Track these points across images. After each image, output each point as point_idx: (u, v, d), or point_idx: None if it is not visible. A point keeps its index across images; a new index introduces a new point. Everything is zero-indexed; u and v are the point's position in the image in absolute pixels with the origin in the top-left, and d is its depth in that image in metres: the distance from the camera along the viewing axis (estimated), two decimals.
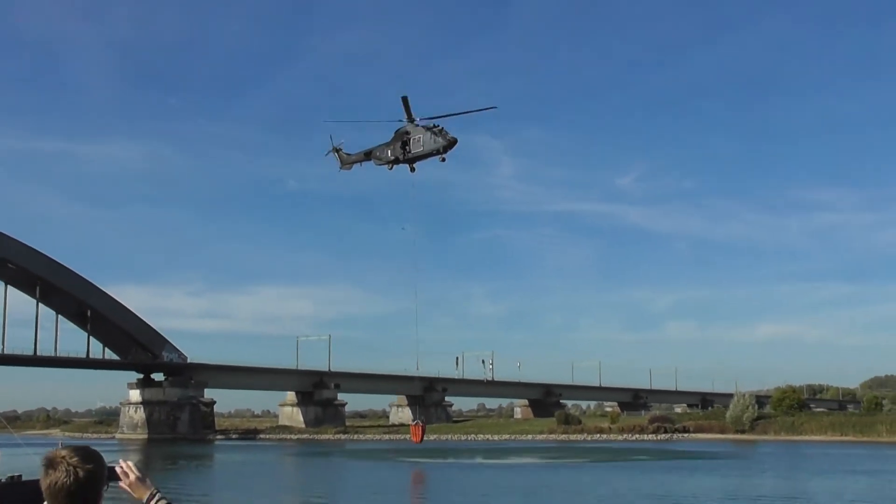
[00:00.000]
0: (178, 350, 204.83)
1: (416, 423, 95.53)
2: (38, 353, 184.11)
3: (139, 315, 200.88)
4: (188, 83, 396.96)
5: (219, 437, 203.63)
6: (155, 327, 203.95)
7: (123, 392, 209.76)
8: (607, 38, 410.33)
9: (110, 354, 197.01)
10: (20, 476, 42.17)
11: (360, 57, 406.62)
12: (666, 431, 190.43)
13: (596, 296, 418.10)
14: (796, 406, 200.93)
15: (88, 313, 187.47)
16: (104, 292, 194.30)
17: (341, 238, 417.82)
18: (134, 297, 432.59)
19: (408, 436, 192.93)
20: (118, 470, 5.67)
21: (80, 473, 5.30)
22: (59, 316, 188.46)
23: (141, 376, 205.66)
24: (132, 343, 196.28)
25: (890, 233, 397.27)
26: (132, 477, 5.66)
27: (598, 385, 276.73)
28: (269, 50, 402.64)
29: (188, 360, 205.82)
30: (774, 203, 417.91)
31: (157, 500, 5.65)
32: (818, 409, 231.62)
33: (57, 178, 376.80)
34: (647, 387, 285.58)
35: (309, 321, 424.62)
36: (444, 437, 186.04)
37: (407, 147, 47.19)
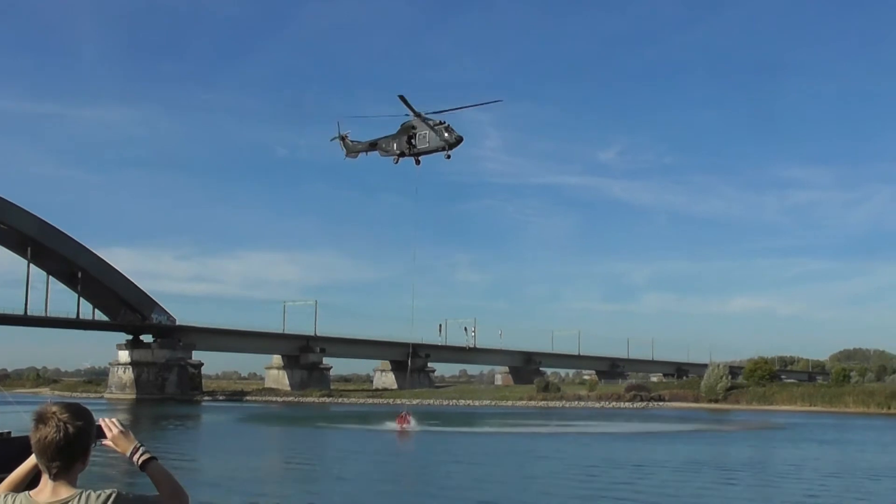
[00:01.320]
0: (167, 312, 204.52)
1: (403, 415, 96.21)
2: (29, 313, 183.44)
3: (129, 277, 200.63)
4: (182, 49, 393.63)
5: (206, 398, 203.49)
6: (144, 289, 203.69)
7: (112, 353, 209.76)
8: (593, 13, 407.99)
9: (100, 316, 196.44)
10: (9, 433, 41.99)
11: (350, 28, 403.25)
12: (642, 399, 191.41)
13: (577, 267, 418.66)
14: (768, 377, 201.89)
15: (79, 274, 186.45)
16: (95, 254, 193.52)
17: (329, 205, 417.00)
18: (124, 260, 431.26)
19: (393, 399, 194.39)
20: (102, 426, 5.62)
21: (70, 429, 5.24)
22: (50, 277, 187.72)
23: (130, 337, 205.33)
24: (122, 305, 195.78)
25: (864, 211, 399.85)
26: (115, 430, 5.61)
27: (577, 354, 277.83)
28: (262, 18, 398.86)
29: (177, 323, 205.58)
30: (753, 180, 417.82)
31: (141, 454, 5.58)
32: (789, 381, 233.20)
33: (50, 140, 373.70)
34: (625, 356, 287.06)
35: (296, 286, 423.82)
36: (426, 402, 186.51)
37: (413, 142, 46.75)
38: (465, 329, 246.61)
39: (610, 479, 49.51)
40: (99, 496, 5.30)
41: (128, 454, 5.62)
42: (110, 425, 5.66)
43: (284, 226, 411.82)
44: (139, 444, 5.64)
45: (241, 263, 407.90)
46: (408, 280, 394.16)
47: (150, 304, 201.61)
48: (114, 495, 5.31)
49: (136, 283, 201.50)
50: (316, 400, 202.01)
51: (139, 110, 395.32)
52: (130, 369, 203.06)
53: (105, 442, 5.66)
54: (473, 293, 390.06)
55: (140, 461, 5.58)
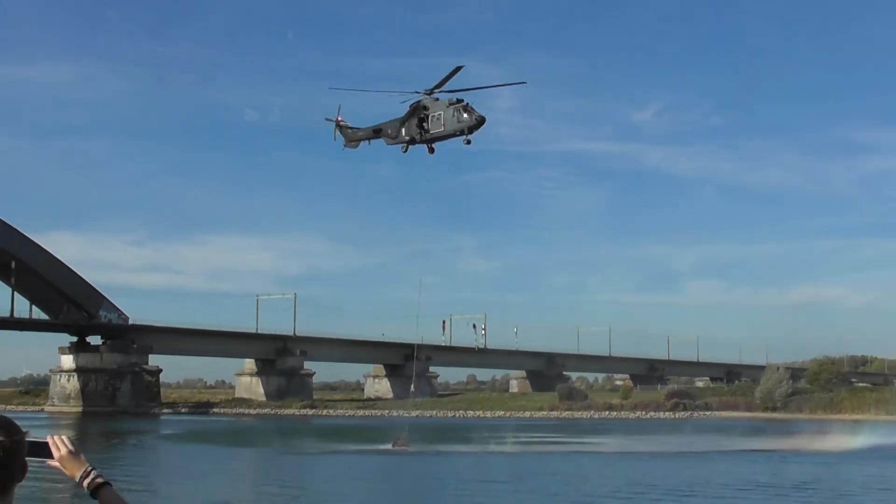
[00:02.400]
0: (118, 309, 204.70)
1: (398, 439, 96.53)
2: None
3: (72, 267, 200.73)
4: None
5: (165, 410, 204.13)
6: (91, 282, 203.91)
7: (54, 358, 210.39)
8: None
9: (38, 314, 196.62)
10: None
11: None
12: (685, 409, 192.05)
13: (607, 251, 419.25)
14: (835, 380, 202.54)
15: (11, 265, 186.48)
16: (30, 240, 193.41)
17: (308, 179, 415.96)
18: (66, 247, 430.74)
19: (387, 411, 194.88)
20: (50, 444, 5.63)
21: (7, 445, 5.20)
22: None
23: (74, 339, 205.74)
24: (64, 300, 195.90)
25: None
26: (63, 451, 5.63)
27: (607, 354, 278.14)
28: None
29: (129, 322, 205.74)
30: (817, 145, 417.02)
31: (93, 478, 5.62)
32: (860, 384, 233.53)
33: None
34: (665, 357, 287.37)
35: (270, 277, 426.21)
36: (427, 413, 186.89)
37: (425, 125, 46.26)
38: (474, 327, 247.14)
39: None
40: None
41: (77, 478, 5.64)
42: (59, 444, 5.67)
43: (255, 204, 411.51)
44: (90, 468, 5.67)
45: (204, 250, 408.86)
46: (402, 268, 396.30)
47: (98, 299, 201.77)
48: None
49: (80, 274, 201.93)
50: (296, 412, 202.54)
51: (79, 66, 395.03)
52: (75, 377, 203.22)
53: (51, 462, 5.66)
54: (482, 284, 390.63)
55: (91, 487, 5.61)
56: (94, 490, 5.61)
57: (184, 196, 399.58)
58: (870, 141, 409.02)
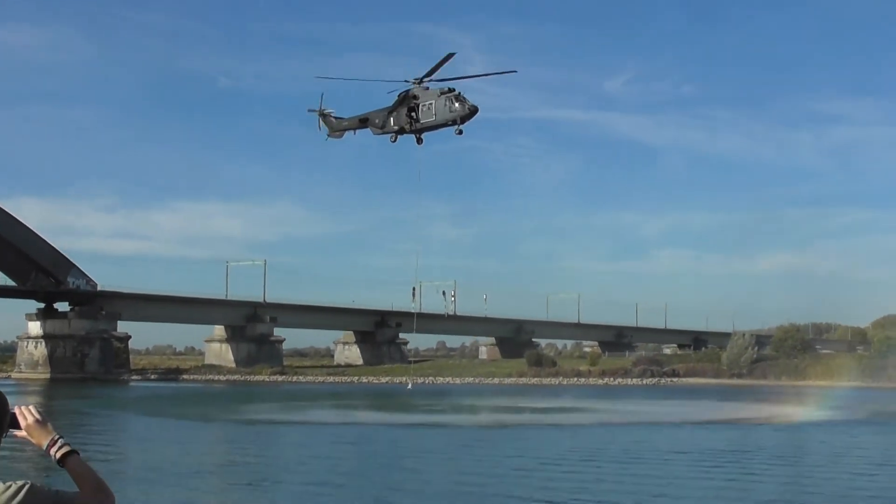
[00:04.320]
0: (87, 276, 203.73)
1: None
2: None
3: (40, 234, 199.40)
4: None
5: (134, 377, 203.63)
6: (59, 248, 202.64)
7: (21, 324, 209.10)
8: None
9: (5, 280, 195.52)
10: None
11: None
12: (653, 375, 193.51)
13: (577, 219, 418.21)
14: (800, 347, 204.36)
15: None
16: None
17: (281, 147, 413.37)
18: (34, 213, 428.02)
19: (357, 378, 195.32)
20: (17, 414, 5.71)
21: None
22: None
23: (42, 306, 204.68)
24: (31, 267, 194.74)
25: None
26: (30, 419, 5.69)
27: (576, 322, 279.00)
28: None
29: (98, 288, 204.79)
30: (786, 115, 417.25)
31: (59, 447, 5.68)
32: (825, 351, 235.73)
33: None
34: (633, 324, 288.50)
35: (241, 243, 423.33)
36: (396, 380, 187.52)
37: (414, 115, 45.52)
38: (443, 293, 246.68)
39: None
40: (9, 487, 5.42)
41: (44, 447, 5.69)
42: (26, 413, 5.74)
43: (227, 171, 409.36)
44: (57, 436, 5.70)
45: (174, 216, 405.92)
46: (374, 235, 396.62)
47: (66, 265, 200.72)
48: (26, 488, 5.42)
49: (48, 240, 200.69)
50: (266, 378, 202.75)
51: (49, 32, 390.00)
52: (43, 344, 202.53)
53: (17, 433, 5.73)
54: (453, 251, 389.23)
55: (58, 455, 5.65)
56: (62, 458, 5.65)
57: (155, 162, 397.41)
58: (838, 111, 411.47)
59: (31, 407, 5.79)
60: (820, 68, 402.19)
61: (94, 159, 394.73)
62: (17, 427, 5.71)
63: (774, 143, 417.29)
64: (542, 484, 44.56)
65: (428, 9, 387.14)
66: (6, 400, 5.69)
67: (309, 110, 50.26)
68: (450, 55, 45.92)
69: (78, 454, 5.71)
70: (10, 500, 5.39)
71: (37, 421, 5.69)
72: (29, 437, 5.72)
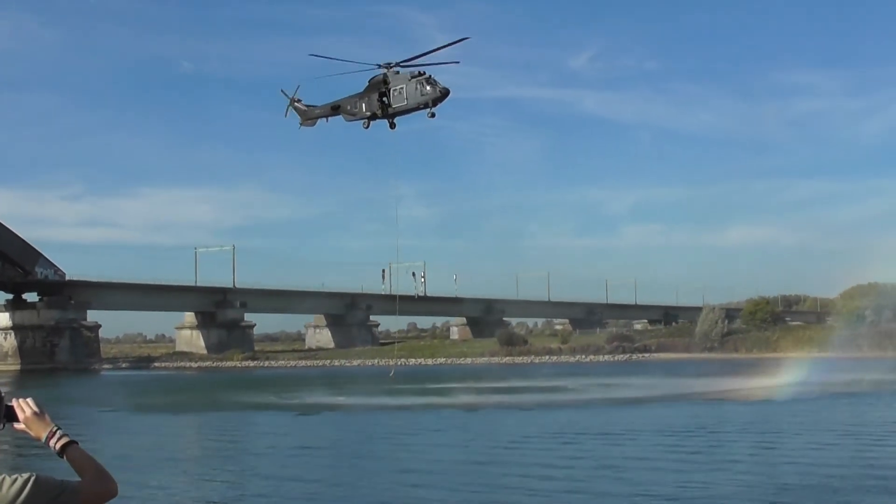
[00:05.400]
0: (55, 265, 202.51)
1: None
2: None
3: (5, 224, 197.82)
4: None
5: (106, 366, 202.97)
6: (26, 238, 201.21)
7: None
8: None
9: None
10: None
11: None
12: (624, 351, 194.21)
13: (545, 196, 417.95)
14: (770, 319, 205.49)
15: None
16: None
17: (247, 130, 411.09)
18: None
19: (329, 361, 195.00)
20: (14, 407, 5.80)
21: None
22: None
23: (10, 297, 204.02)
24: None
25: (879, 121, 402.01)
26: (28, 412, 5.74)
27: (546, 300, 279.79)
28: None
29: (66, 277, 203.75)
30: (749, 88, 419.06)
31: (59, 438, 5.73)
32: (794, 323, 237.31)
33: None
34: (603, 301, 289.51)
35: (209, 229, 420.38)
36: (368, 362, 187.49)
37: (386, 100, 45.54)
38: (413, 274, 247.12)
39: None
40: (15, 481, 5.46)
41: (43, 439, 5.75)
42: (24, 406, 5.79)
43: (193, 156, 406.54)
44: (56, 427, 5.78)
45: (141, 203, 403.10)
46: (344, 217, 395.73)
47: (34, 255, 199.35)
48: (32, 479, 5.46)
49: (14, 230, 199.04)
50: (238, 364, 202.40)
51: (7, 18, 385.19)
52: (12, 335, 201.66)
53: (16, 425, 5.79)
54: (422, 231, 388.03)
55: (58, 446, 5.72)
56: (62, 449, 5.72)
57: (120, 150, 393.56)
58: (800, 83, 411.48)
59: (28, 399, 5.85)
60: (782, 40, 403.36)
61: (58, 147, 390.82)
62: (14, 419, 5.79)
63: (739, 116, 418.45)
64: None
65: None
66: (0, 393, 5.78)
67: (282, 92, 49.94)
68: (462, 39, 46.23)
69: (77, 444, 5.78)
70: (18, 494, 5.45)
71: (35, 413, 5.76)
72: (28, 430, 5.78)
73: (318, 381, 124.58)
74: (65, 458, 5.75)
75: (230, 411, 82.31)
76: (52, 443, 5.73)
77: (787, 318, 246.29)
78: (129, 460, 48.37)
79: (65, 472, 5.87)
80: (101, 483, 5.66)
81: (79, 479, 5.68)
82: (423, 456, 49.10)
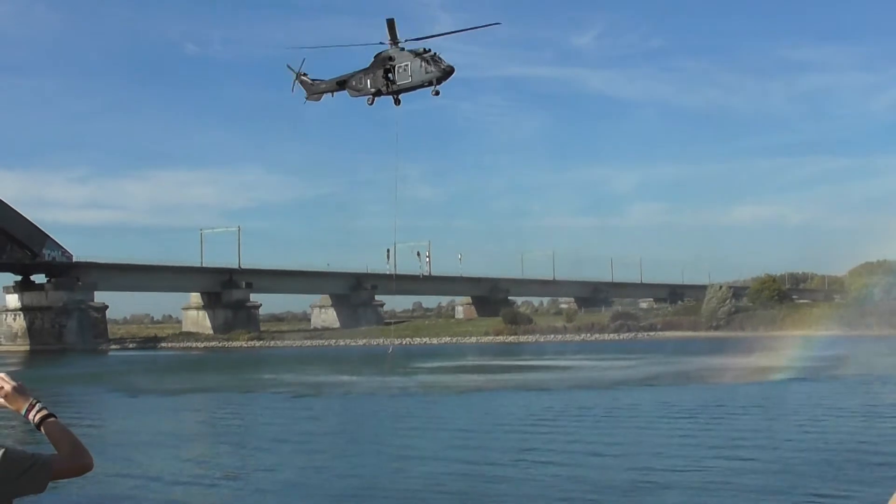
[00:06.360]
0: (62, 247, 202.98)
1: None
2: None
3: (13, 206, 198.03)
4: None
5: (113, 346, 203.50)
6: (33, 220, 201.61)
7: None
8: None
9: None
10: None
11: None
12: (630, 330, 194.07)
13: (550, 175, 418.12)
14: (777, 297, 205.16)
15: None
16: None
17: (251, 112, 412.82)
18: (6, 186, 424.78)
19: (335, 341, 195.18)
20: None
21: None
22: None
23: (19, 278, 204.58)
24: (6, 240, 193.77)
25: (888, 97, 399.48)
26: (7, 388, 5.76)
27: (551, 279, 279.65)
28: None
29: (74, 259, 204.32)
30: (756, 64, 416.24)
31: (38, 411, 5.76)
32: (801, 301, 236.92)
33: None
34: (609, 279, 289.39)
35: (215, 210, 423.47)
36: (374, 342, 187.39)
37: (391, 76, 45.38)
38: (418, 254, 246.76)
39: None
40: None
41: (22, 412, 5.77)
42: (4, 380, 5.79)
43: (198, 138, 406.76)
44: (35, 401, 5.80)
45: (147, 185, 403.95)
46: (348, 197, 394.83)
47: (41, 237, 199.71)
48: (1, 452, 5.45)
49: (22, 213, 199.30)
50: (244, 344, 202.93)
51: (10, 3, 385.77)
52: (21, 316, 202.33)
53: None
54: (427, 211, 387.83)
55: (37, 419, 5.74)
56: (40, 422, 5.74)
57: (126, 132, 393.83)
58: (808, 58, 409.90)
59: (3, 375, 5.82)
60: (789, 15, 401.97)
61: (64, 130, 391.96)
62: None
63: (745, 92, 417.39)
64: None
65: None
66: None
67: (288, 67, 49.80)
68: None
69: (56, 417, 5.79)
70: None
71: (14, 388, 5.75)
72: (7, 404, 5.78)
73: (315, 361, 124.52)
74: (42, 430, 5.74)
75: (227, 392, 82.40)
76: (31, 415, 5.74)
77: (795, 297, 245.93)
78: (124, 439, 48.68)
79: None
80: (76, 457, 5.67)
81: (52, 453, 5.69)
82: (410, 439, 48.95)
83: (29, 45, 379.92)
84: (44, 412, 5.73)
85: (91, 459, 5.73)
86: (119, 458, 41.03)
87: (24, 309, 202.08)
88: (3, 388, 5.74)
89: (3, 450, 5.46)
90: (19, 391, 5.76)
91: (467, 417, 57.25)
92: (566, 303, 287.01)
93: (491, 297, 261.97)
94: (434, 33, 46.03)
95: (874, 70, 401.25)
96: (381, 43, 45.61)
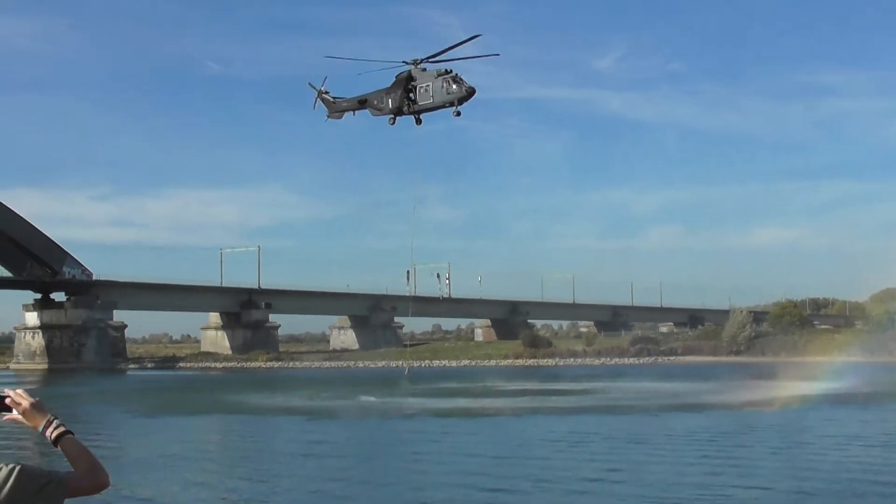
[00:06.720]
0: (82, 265, 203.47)
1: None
2: None
3: (34, 224, 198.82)
4: None
5: (132, 366, 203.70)
6: (54, 238, 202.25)
7: (17, 315, 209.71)
8: None
9: (1, 271, 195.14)
10: None
11: None
12: (650, 354, 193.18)
13: (570, 197, 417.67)
14: (797, 323, 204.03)
15: None
16: None
17: (272, 131, 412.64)
18: (27, 203, 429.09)
19: (353, 362, 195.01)
20: (7, 401, 5.85)
21: None
22: None
23: (38, 296, 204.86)
24: (26, 257, 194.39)
25: None
26: (25, 404, 5.79)
27: (571, 302, 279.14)
28: None
29: (94, 277, 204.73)
30: (775, 88, 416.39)
31: (55, 427, 5.77)
32: (822, 326, 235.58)
33: None
34: (629, 303, 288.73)
35: (235, 230, 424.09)
36: (393, 364, 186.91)
37: (412, 96, 45.29)
38: (438, 276, 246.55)
39: None
40: (0, 470, 5.48)
41: (40, 429, 5.80)
42: (19, 398, 5.84)
43: (219, 157, 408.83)
44: (53, 417, 5.83)
45: (168, 203, 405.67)
46: (369, 218, 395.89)
47: (61, 255, 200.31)
48: (17, 469, 5.46)
49: (42, 230, 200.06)
50: (262, 364, 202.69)
51: (36, 21, 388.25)
52: (40, 334, 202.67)
53: (8, 416, 5.88)
54: (446, 232, 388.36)
55: (54, 436, 5.78)
56: (57, 438, 5.78)
57: (147, 151, 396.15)
58: (829, 83, 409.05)
59: (20, 391, 5.86)
60: (809, 39, 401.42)
61: (85, 148, 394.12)
62: (3, 409, 5.86)
63: (765, 116, 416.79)
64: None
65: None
66: None
67: (309, 84, 49.71)
68: (474, 37, 45.74)
69: (73, 434, 5.84)
70: (3, 483, 5.44)
71: (32, 404, 5.80)
72: (24, 421, 5.83)
73: (332, 383, 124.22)
74: (59, 447, 5.77)
75: (244, 414, 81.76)
76: (48, 432, 5.76)
77: (816, 322, 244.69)
78: (141, 458, 48.47)
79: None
80: (93, 475, 5.68)
81: (68, 470, 5.71)
82: (433, 461, 48.55)
83: (50, 63, 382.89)
84: (61, 429, 5.76)
85: (107, 477, 5.75)
86: (135, 477, 40.83)
87: (43, 327, 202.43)
88: (20, 404, 5.80)
89: (19, 467, 5.47)
90: (37, 408, 5.81)
91: (488, 442, 56.79)
92: (586, 326, 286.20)
93: (510, 319, 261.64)
94: (437, 53, 45.81)
95: (893, 95, 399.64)
96: (403, 62, 45.58)
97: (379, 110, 46.76)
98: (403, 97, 45.44)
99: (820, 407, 77.61)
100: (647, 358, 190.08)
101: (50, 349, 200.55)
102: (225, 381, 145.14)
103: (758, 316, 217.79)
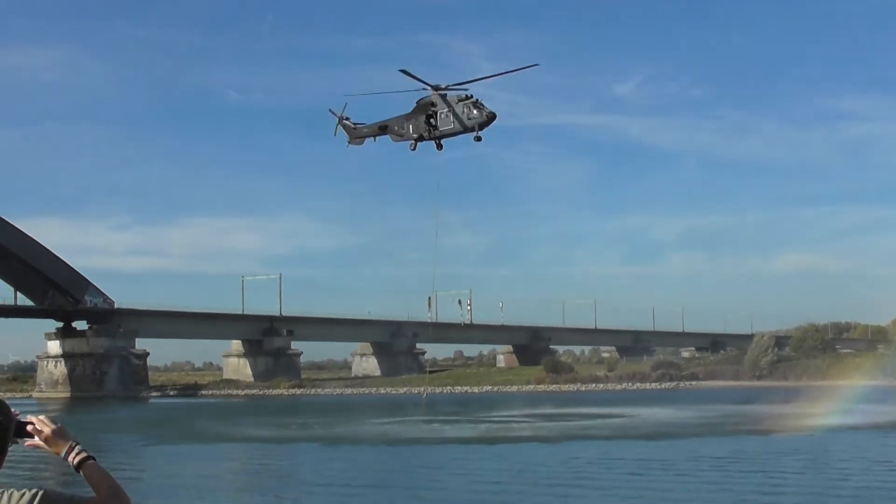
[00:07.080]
0: (104, 294, 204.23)
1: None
2: None
3: (56, 253, 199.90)
4: None
5: (154, 393, 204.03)
6: (75, 267, 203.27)
7: (40, 344, 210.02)
8: None
9: (23, 300, 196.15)
10: None
11: None
12: (672, 379, 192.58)
13: (591, 224, 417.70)
14: (820, 347, 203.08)
15: None
16: (13, 226, 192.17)
17: (293, 160, 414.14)
18: (49, 233, 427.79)
19: (375, 389, 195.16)
20: (30, 428, 5.85)
21: None
22: None
23: (60, 325, 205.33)
24: (49, 286, 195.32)
25: None
26: (47, 431, 5.83)
27: (593, 327, 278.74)
28: None
29: (115, 306, 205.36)
30: (797, 114, 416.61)
31: (77, 453, 5.81)
32: (845, 351, 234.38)
33: None
34: (650, 328, 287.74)
35: (256, 257, 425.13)
36: (414, 390, 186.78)
37: (433, 121, 45.31)
38: (459, 302, 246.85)
39: None
40: (23, 495, 5.53)
41: (62, 454, 5.84)
42: (41, 424, 5.87)
43: (240, 186, 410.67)
44: (75, 443, 5.88)
45: (189, 232, 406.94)
46: (389, 246, 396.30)
47: (83, 284, 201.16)
48: (40, 494, 5.51)
49: (64, 259, 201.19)
50: (284, 392, 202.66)
51: (59, 52, 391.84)
52: (62, 362, 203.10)
53: (31, 443, 5.88)
54: (468, 259, 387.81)
55: (76, 461, 5.81)
56: (79, 464, 5.81)
57: (168, 180, 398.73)
58: (850, 108, 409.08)
59: (42, 417, 5.92)
60: (830, 65, 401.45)
61: (106, 177, 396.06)
62: (25, 435, 5.86)
63: (786, 141, 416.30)
64: None
65: (436, 19, 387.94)
66: (8, 407, 5.81)
67: (330, 111, 49.98)
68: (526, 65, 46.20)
69: (95, 460, 5.87)
70: None
71: (54, 431, 5.85)
72: (45, 447, 5.87)
73: (352, 409, 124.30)
74: (81, 473, 5.79)
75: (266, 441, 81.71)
76: (70, 457, 5.80)
77: (838, 346, 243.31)
78: (163, 485, 48.64)
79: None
80: (115, 500, 5.70)
81: (90, 495, 5.73)
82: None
83: (72, 94, 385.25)
84: (83, 454, 5.81)
85: (129, 502, 5.79)
86: (157, 501, 41.07)
87: (66, 356, 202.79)
88: (42, 431, 5.83)
89: (42, 492, 5.52)
90: (59, 434, 5.85)
91: (502, 469, 56.78)
92: (607, 352, 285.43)
93: (532, 345, 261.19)
94: (471, 79, 46.05)
95: None
96: (423, 89, 45.78)
97: (400, 136, 46.81)
98: (425, 123, 45.56)
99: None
100: (668, 383, 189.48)
101: (72, 378, 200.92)
102: (244, 408, 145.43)
103: (780, 340, 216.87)
